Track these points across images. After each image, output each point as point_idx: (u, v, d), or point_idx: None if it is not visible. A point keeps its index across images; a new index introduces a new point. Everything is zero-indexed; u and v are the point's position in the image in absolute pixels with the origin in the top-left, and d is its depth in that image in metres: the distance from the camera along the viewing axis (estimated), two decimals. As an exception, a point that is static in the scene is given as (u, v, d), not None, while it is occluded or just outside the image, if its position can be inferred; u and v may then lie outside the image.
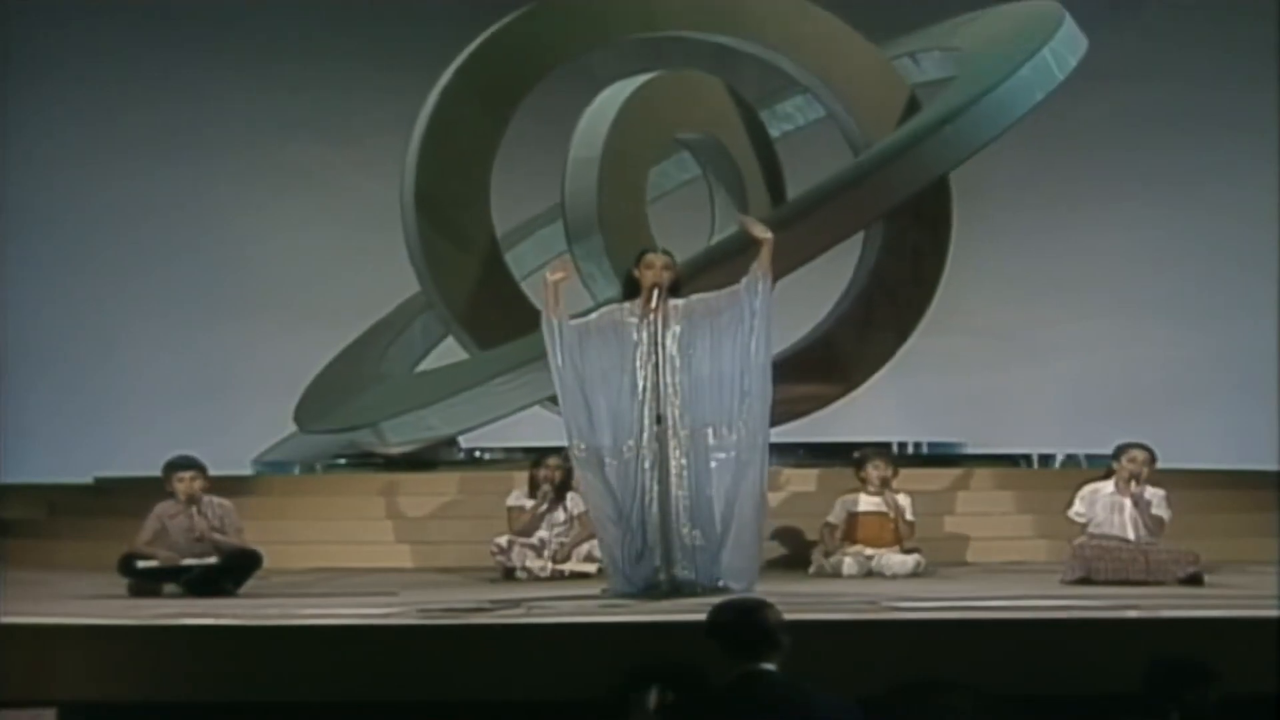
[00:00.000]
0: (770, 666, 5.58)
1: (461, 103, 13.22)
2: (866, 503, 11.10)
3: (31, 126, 15.91)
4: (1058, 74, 13.06)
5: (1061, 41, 13.13)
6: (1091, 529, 10.30)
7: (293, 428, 13.77)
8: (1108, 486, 10.40)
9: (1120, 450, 10.45)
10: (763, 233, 9.49)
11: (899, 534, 10.99)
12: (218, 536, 10.15)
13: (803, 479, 11.92)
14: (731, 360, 9.43)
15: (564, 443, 9.73)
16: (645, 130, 13.59)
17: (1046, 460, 13.18)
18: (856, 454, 11.38)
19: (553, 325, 9.49)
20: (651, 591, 9.30)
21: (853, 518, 11.10)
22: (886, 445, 12.42)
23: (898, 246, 13.79)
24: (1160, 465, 10.53)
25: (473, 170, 13.14)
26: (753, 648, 5.59)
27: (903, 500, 11.06)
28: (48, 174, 15.98)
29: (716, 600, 8.59)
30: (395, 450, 12.52)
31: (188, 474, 10.28)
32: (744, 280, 9.47)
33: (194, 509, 10.21)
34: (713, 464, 9.40)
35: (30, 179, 15.92)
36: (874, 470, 11.11)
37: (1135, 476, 10.31)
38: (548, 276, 9.63)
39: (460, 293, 13.12)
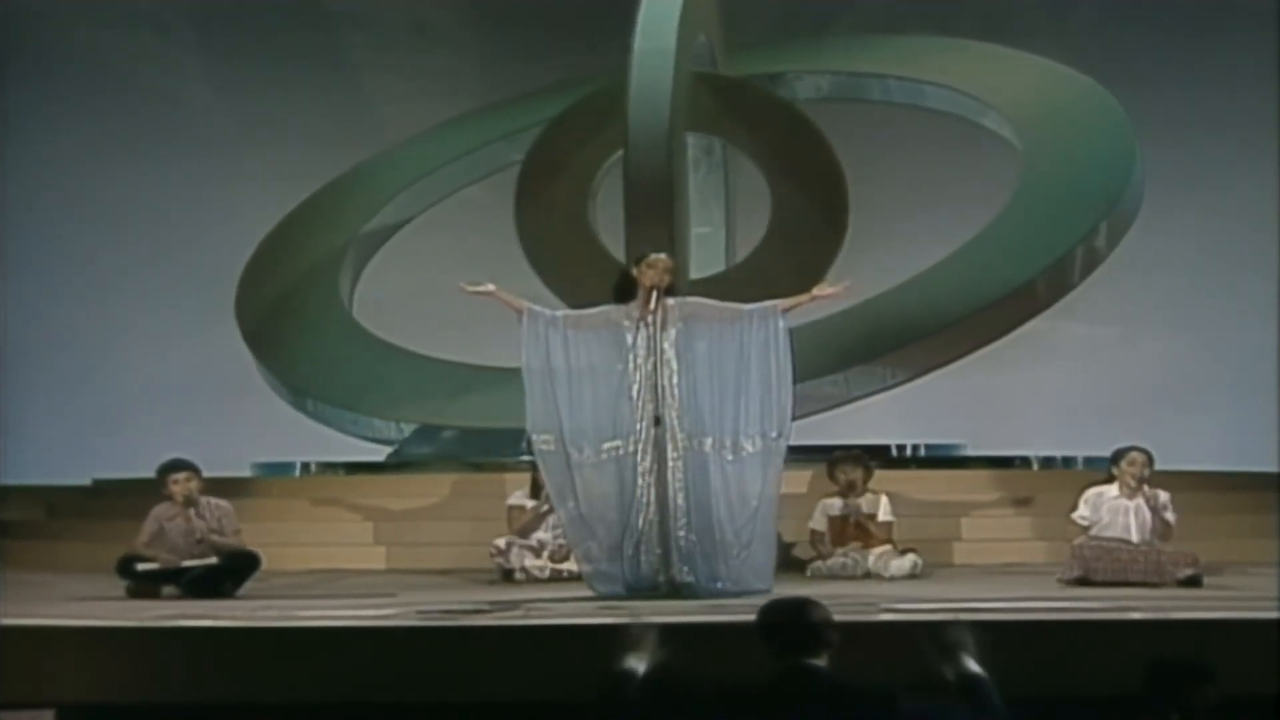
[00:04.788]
0: (818, 662, 5.60)
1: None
2: (840, 507, 11.14)
3: (32, 128, 15.91)
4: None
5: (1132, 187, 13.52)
6: (1095, 531, 10.29)
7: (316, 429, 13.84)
8: (1112, 490, 10.39)
9: (1119, 454, 10.44)
10: (818, 290, 9.64)
11: (875, 535, 11.00)
12: (216, 538, 10.13)
13: (796, 481, 11.90)
14: (735, 378, 9.43)
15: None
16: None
17: (1046, 462, 13.17)
18: (830, 457, 11.41)
19: (524, 320, 9.49)
20: (650, 593, 9.29)
21: (830, 521, 11.15)
22: (860, 448, 12.16)
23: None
24: (1160, 467, 10.52)
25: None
26: (800, 644, 5.62)
27: (870, 503, 11.08)
28: (47, 175, 15.98)
29: (716, 603, 8.66)
30: None
31: (181, 475, 10.26)
32: (753, 307, 9.48)
33: (191, 511, 10.20)
34: (716, 473, 9.39)
35: (29, 180, 15.91)
36: (841, 475, 11.18)
37: (1143, 480, 10.31)
38: (478, 290, 9.61)
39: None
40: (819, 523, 11.19)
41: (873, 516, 11.06)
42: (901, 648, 7.53)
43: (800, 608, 5.79)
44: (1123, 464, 10.39)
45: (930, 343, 13.05)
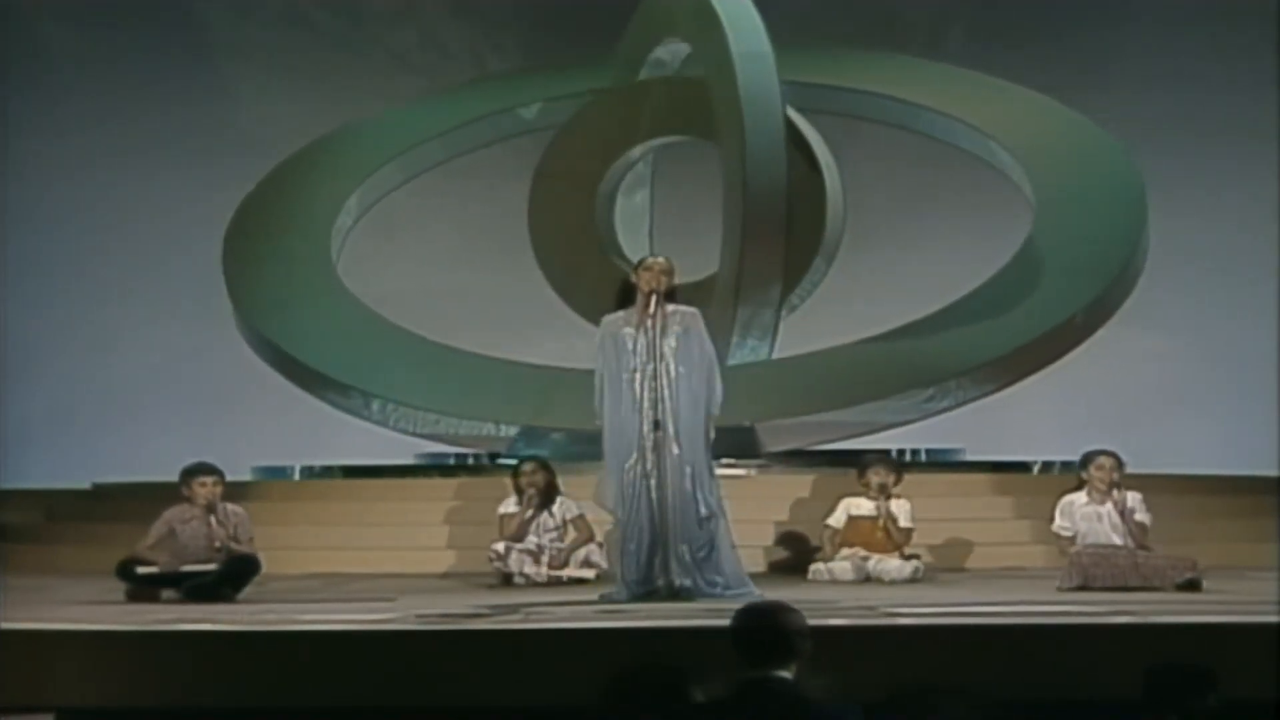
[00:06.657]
0: (784, 674, 5.49)
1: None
2: (865, 507, 11.11)
3: (32, 131, 15.91)
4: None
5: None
6: (1079, 541, 10.28)
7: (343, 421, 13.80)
8: (1081, 497, 10.37)
9: (1087, 459, 10.41)
10: None
11: (894, 540, 10.99)
12: (234, 545, 10.08)
13: (800, 485, 11.92)
14: (696, 390, 9.45)
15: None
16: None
17: (1046, 467, 13.17)
18: (862, 459, 11.38)
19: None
20: (649, 596, 9.29)
21: (852, 521, 11.11)
22: (887, 452, 12.37)
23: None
24: (1160, 470, 10.51)
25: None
26: (767, 653, 5.51)
27: (896, 507, 11.03)
28: (48, 178, 15.98)
29: (714, 606, 8.66)
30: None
31: (209, 479, 10.21)
32: (718, 393, 9.54)
33: (212, 516, 10.15)
34: (687, 476, 9.40)
35: (30, 183, 15.92)
36: (874, 476, 11.09)
37: (1114, 484, 10.28)
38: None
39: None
40: (838, 520, 11.13)
41: (896, 521, 11.03)
42: (900, 652, 7.57)
43: (773, 613, 5.63)
44: (1091, 469, 10.36)
45: (1014, 359, 13.27)
